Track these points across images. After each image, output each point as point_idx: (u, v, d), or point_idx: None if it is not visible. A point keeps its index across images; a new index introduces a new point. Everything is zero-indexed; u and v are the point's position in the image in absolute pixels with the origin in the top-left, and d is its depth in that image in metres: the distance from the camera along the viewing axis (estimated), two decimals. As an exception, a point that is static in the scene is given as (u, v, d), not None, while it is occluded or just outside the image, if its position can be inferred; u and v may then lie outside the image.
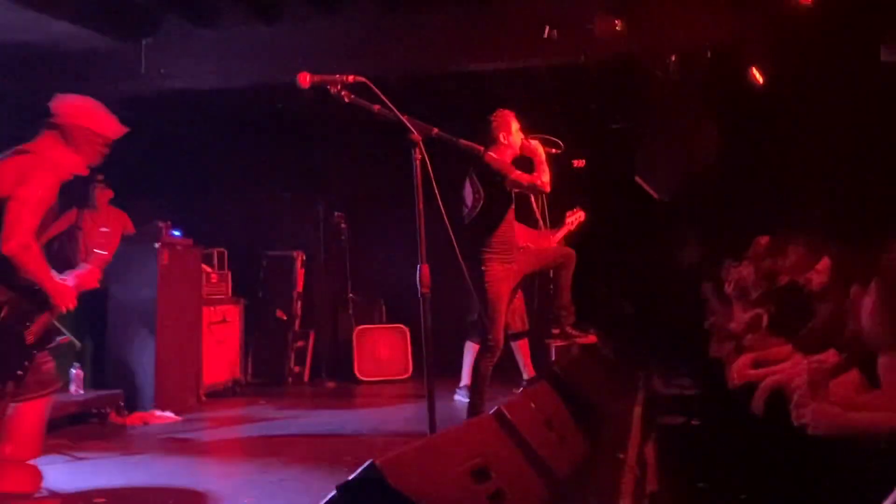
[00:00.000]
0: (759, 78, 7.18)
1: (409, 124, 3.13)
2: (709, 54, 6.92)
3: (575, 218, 6.84)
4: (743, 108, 7.69)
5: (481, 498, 2.50)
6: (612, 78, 7.75)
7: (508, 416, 3.07)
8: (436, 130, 3.33)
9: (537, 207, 5.72)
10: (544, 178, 5.12)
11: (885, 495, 2.25)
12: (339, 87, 3.07)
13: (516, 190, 5.15)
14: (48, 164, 3.78)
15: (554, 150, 5.37)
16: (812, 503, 3.05)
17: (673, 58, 7.01)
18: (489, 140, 5.11)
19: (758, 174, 7.99)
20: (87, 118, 3.95)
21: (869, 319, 3.14)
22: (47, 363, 4.01)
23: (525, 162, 5.25)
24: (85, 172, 4.04)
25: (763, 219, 7.22)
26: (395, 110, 3.10)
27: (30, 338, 3.83)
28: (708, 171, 7.93)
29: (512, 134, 5.21)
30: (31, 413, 3.94)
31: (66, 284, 3.96)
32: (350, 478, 2.16)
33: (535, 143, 5.21)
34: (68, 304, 3.94)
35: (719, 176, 8.04)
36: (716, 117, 7.77)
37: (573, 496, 3.35)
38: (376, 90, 3.06)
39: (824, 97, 6.71)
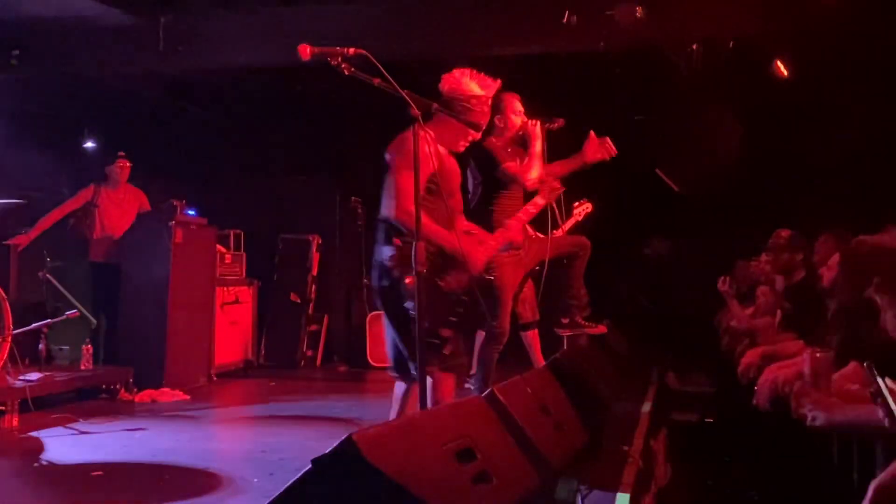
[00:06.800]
0: (784, 70, 7.04)
1: (409, 98, 3.07)
2: (732, 44, 6.77)
3: (582, 209, 6.68)
4: (766, 101, 7.53)
5: (465, 478, 2.43)
6: (633, 67, 7.62)
7: (500, 398, 3.00)
8: (436, 105, 3.27)
9: (553, 203, 5.57)
10: (531, 174, 4.93)
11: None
12: (339, 59, 3.02)
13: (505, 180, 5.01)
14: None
15: (556, 125, 5.20)
16: (811, 497, 2.97)
17: (695, 47, 6.87)
18: (490, 124, 4.98)
19: (780, 168, 7.85)
20: (460, 88, 3.82)
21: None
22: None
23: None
24: (478, 136, 4.02)
25: (785, 214, 7.08)
26: (395, 84, 3.04)
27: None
28: (730, 164, 7.79)
29: (511, 117, 5.10)
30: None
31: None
32: (325, 452, 2.11)
33: (536, 129, 5.04)
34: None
35: (741, 169, 7.89)
36: (739, 109, 7.62)
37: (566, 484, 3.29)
38: (376, 63, 3.00)
39: (849, 90, 6.56)
